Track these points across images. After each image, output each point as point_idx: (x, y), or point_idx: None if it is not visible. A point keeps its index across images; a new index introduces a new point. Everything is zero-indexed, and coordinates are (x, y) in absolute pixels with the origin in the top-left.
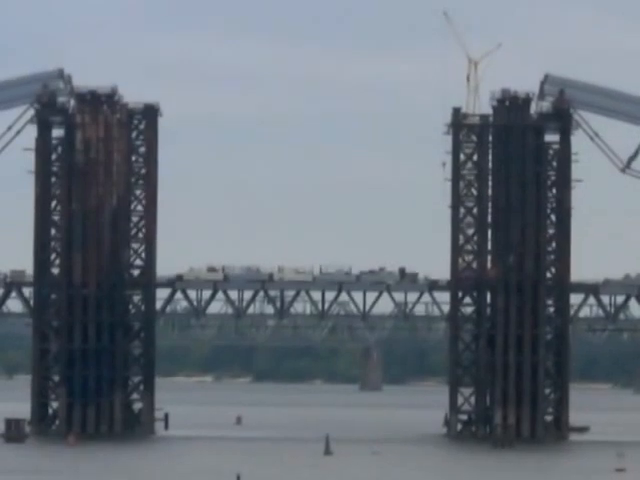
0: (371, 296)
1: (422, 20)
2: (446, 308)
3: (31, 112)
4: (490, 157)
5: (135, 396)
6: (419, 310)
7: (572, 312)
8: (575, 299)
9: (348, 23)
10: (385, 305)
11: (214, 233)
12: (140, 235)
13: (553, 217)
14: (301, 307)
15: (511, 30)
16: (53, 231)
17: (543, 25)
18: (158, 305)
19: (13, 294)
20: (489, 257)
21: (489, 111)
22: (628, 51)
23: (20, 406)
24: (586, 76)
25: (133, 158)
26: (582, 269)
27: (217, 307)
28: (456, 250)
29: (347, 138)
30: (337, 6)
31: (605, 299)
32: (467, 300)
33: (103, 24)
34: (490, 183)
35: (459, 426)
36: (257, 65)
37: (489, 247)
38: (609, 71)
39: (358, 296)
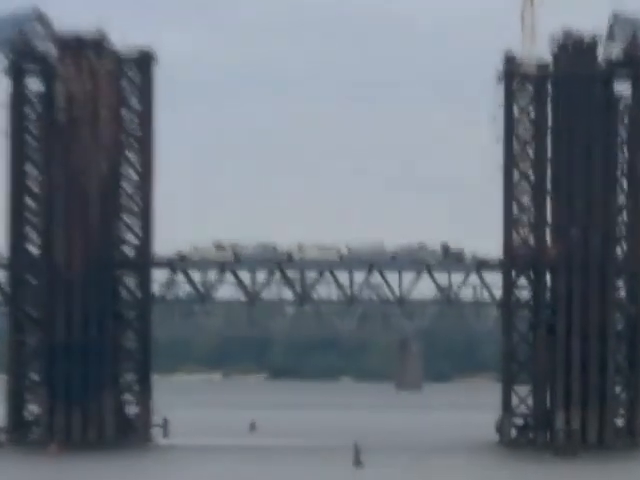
0: (408, 277)
1: None
2: (498, 292)
3: (4, 61)
4: (549, 112)
5: (129, 398)
6: (466, 294)
7: None
8: None
9: None
10: (425, 288)
11: (222, 204)
12: (134, 207)
13: (624, 183)
14: (325, 291)
15: None
16: (30, 202)
17: None
18: (156, 290)
19: None
20: (548, 231)
21: (548, 57)
22: None
23: None
24: None
25: (125, 115)
26: None
27: (226, 292)
28: (509, 223)
29: (378, 88)
30: None
31: None
32: (522, 282)
33: None
34: (549, 143)
35: (514, 432)
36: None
37: (548, 219)
38: None
39: (393, 278)
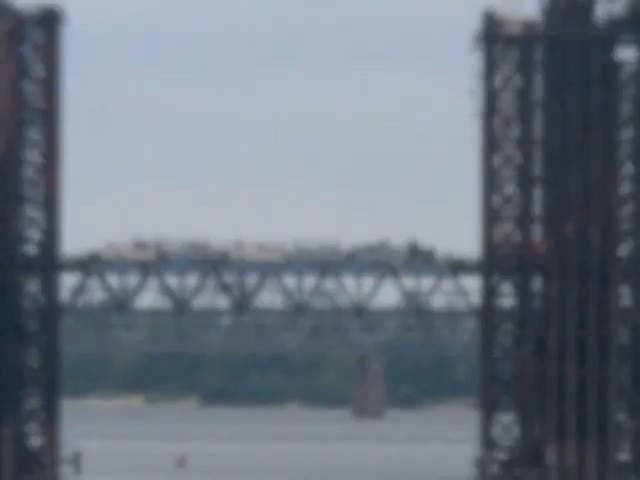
0: (368, 282)
1: None
2: (476, 299)
3: None
4: (539, 82)
5: (32, 427)
6: (437, 302)
7: None
8: None
9: None
10: (389, 295)
11: (142, 193)
12: (37, 196)
13: (629, 168)
14: (268, 299)
15: None
16: None
17: None
18: (64, 297)
19: None
20: (537, 226)
21: (537, 16)
22: None
23: None
24: None
25: (26, 86)
26: None
27: (148, 299)
28: (490, 216)
29: (336, 53)
30: None
31: None
32: (506, 288)
33: None
34: (539, 119)
35: (496, 468)
36: None
37: (537, 211)
38: None
39: (350, 282)
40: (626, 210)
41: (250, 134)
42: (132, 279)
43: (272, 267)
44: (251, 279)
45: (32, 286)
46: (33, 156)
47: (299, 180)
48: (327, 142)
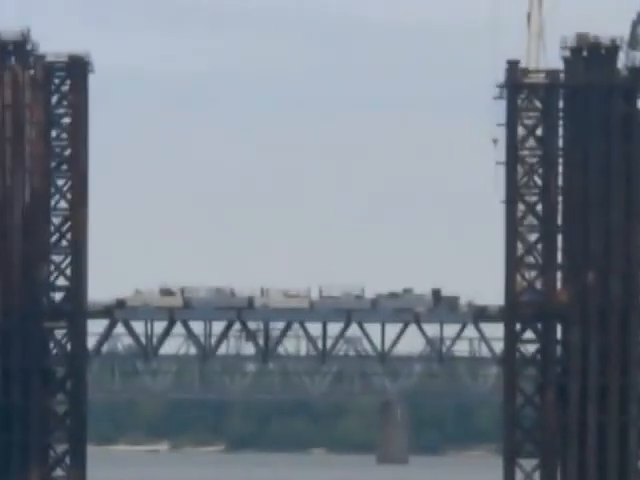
0: (393, 329)
1: None
2: (498, 346)
3: None
4: (561, 131)
5: (59, 473)
6: (460, 349)
7: None
8: None
9: None
10: (413, 342)
11: (170, 240)
12: (64, 243)
13: None
14: (293, 346)
15: None
16: None
17: None
18: (91, 343)
19: None
20: (559, 274)
21: (559, 65)
22: None
23: None
24: None
25: (54, 133)
26: None
27: (174, 345)
28: (512, 264)
29: (356, 102)
30: None
31: None
32: (528, 335)
33: None
34: (561, 168)
35: None
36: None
37: (559, 259)
38: None
39: (374, 329)
40: None
41: (274, 184)
42: (158, 326)
43: (296, 314)
44: (276, 326)
45: (59, 333)
46: (60, 203)
47: (324, 228)
48: (350, 190)
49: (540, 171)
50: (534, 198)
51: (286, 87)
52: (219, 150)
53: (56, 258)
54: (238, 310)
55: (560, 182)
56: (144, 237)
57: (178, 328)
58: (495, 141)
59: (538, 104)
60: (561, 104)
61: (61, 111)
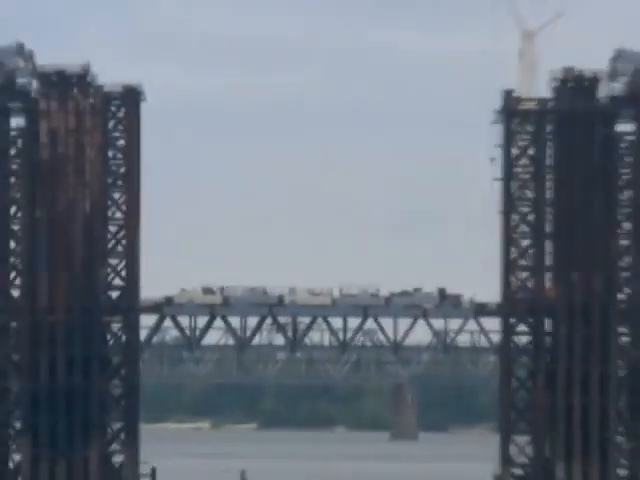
0: (404, 323)
1: None
2: (496, 337)
3: None
4: (549, 151)
5: (115, 447)
6: (463, 340)
7: None
8: None
9: None
10: (421, 334)
11: (211, 246)
12: (120, 248)
13: (627, 225)
14: (318, 337)
15: None
16: (12, 244)
17: None
18: (143, 335)
19: None
20: (548, 274)
21: (548, 94)
22: None
23: None
24: None
25: (110, 154)
26: None
27: (215, 337)
28: (508, 266)
29: (375, 126)
30: None
31: None
32: (522, 328)
33: None
34: (549, 183)
35: None
36: (271, 36)
37: (548, 262)
38: None
39: (388, 323)
40: (625, 261)
41: (301, 202)
42: (200, 320)
43: (320, 310)
44: (303, 320)
45: (115, 326)
46: (116, 214)
47: (345, 236)
48: (369, 205)
49: (531, 186)
50: (526, 209)
51: (316, 111)
52: (249, 160)
53: (113, 261)
54: (270, 306)
55: (549, 195)
56: (189, 243)
57: (218, 322)
58: (492, 160)
59: (530, 128)
60: (550, 128)
61: (117, 134)
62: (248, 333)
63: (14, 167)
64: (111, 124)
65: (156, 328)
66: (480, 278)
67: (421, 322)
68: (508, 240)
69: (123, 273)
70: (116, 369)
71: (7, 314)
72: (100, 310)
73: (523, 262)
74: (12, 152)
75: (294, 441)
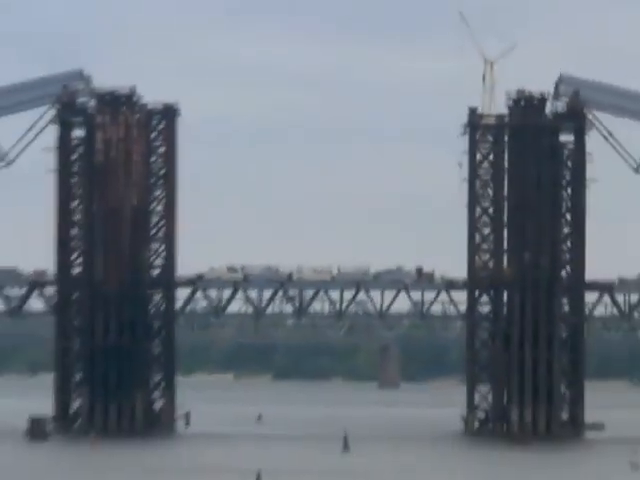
0: (389, 295)
1: (437, 19)
2: (463, 307)
3: (52, 113)
4: (506, 157)
5: (156, 395)
6: (436, 309)
7: (587, 311)
8: (590, 298)
9: (361, 20)
10: (402, 304)
11: (234, 233)
12: (160, 235)
13: (568, 216)
14: (320, 306)
15: (527, 30)
16: (74, 231)
17: (559, 25)
18: (178, 304)
19: (35, 293)
20: (505, 256)
21: (505, 111)
22: None
23: (42, 404)
24: (602, 76)
25: (152, 158)
26: (597, 268)
27: (237, 306)
28: (472, 249)
29: (362, 138)
30: (350, 6)
31: (620, 298)
32: (484, 299)
33: (121, 24)
34: (506, 183)
35: (477, 424)
36: (279, 64)
37: (505, 246)
38: (625, 70)
39: (376, 295)
40: (566, 245)
41: (305, 197)
42: (226, 292)
43: (322, 284)
44: (308, 293)
45: (156, 297)
46: (157, 207)
47: (343, 225)
48: (361, 197)
49: (491, 185)
50: (487, 204)
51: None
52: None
53: (154, 245)
54: (281, 282)
55: (505, 193)
56: (216, 231)
57: (239, 294)
58: (460, 164)
59: (490, 138)
60: (506, 138)
61: (157, 143)
62: (264, 303)
63: (75, 169)
64: (153, 135)
65: (189, 299)
66: (450, 259)
67: (403, 294)
68: (473, 229)
69: (163, 255)
70: (157, 332)
71: (70, 287)
72: (144, 284)
73: (485, 246)
74: (74, 157)
75: (300, 390)
